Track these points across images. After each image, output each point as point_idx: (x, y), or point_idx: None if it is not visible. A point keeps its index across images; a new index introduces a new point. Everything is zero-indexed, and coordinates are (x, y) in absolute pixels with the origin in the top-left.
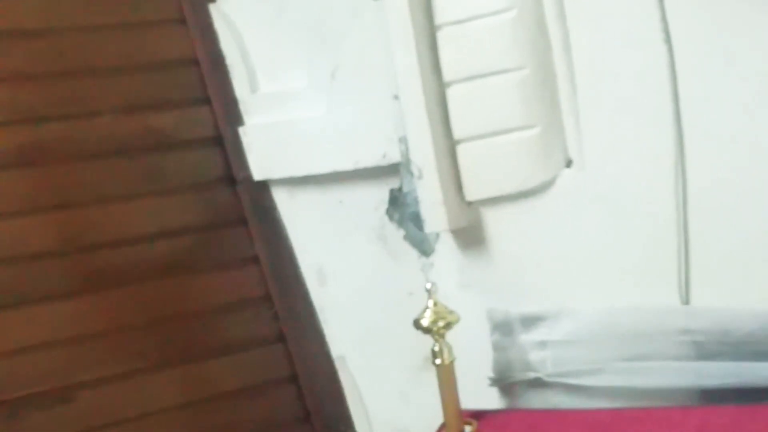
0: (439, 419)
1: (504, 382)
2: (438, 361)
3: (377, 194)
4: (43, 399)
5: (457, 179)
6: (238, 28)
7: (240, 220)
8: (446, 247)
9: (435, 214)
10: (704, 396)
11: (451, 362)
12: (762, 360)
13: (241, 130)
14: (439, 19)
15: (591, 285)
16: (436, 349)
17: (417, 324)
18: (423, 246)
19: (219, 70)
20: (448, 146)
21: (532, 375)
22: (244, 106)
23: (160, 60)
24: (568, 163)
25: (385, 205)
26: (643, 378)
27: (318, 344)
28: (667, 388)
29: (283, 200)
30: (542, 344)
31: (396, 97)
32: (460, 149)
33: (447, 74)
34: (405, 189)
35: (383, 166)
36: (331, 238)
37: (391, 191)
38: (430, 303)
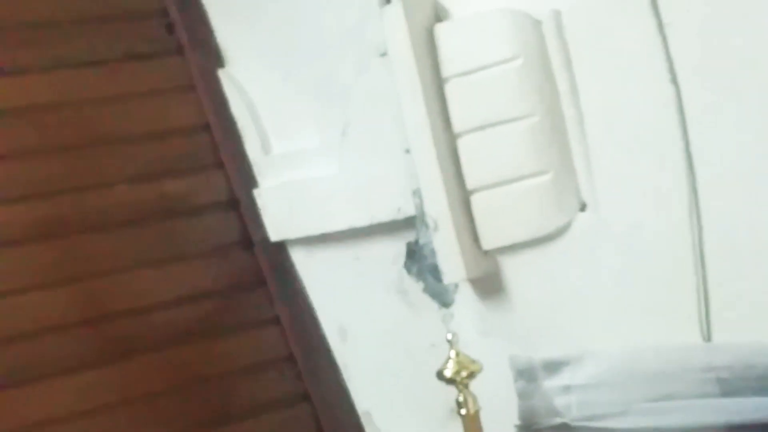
0: None
1: (530, 429)
2: (463, 411)
3: (394, 248)
4: None
5: (473, 229)
6: (247, 92)
7: (259, 281)
8: (465, 297)
9: (452, 265)
10: None
11: (477, 412)
12: None
13: (255, 192)
14: (445, 71)
15: (612, 327)
16: (461, 399)
17: (440, 375)
18: (442, 297)
19: (231, 134)
20: (462, 196)
21: (558, 420)
22: (257, 168)
23: (172, 127)
24: (583, 207)
25: (402, 259)
26: (669, 417)
27: (343, 401)
28: (693, 427)
29: (300, 259)
30: (566, 389)
31: (407, 151)
32: (474, 199)
33: (457, 125)
34: (421, 241)
35: (399, 219)
36: (351, 294)
37: (408, 244)
38: (453, 353)
